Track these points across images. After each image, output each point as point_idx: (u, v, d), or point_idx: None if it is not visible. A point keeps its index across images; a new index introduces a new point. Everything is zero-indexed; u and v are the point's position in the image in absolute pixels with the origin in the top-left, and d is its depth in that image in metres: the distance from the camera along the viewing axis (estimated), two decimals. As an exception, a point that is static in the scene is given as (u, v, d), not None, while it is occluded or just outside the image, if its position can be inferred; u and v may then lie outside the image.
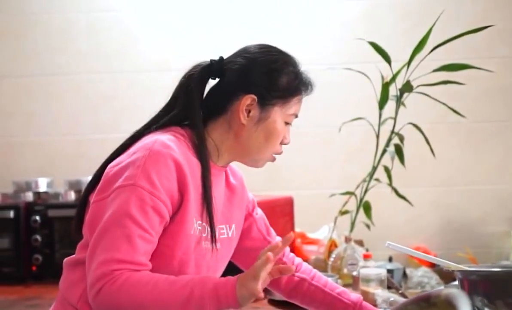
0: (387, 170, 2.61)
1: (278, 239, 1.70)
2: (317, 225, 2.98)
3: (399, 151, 2.58)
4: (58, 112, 3.30)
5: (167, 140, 1.42)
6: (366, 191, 2.66)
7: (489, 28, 2.50)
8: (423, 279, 2.45)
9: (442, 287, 2.11)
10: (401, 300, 1.94)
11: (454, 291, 1.32)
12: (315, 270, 1.73)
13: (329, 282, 1.70)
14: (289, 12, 3.23)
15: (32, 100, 3.31)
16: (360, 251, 2.56)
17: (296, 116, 1.57)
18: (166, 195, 1.38)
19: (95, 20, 3.28)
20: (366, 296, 2.01)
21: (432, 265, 2.59)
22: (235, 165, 1.64)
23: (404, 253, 1.76)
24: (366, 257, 2.39)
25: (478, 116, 3.11)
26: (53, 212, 2.82)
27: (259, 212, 1.73)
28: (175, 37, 3.25)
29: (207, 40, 3.20)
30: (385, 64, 2.54)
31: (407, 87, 2.51)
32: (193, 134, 1.49)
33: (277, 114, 1.51)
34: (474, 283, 1.51)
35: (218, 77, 1.54)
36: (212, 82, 1.56)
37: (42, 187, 2.96)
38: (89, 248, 1.36)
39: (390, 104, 2.61)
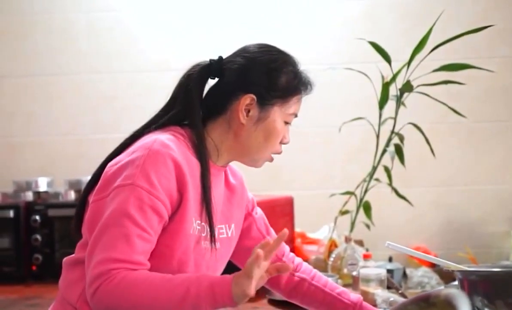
0: (387, 170, 2.61)
1: (277, 238, 1.69)
2: (317, 225, 2.98)
3: (399, 151, 2.58)
4: (58, 112, 3.30)
5: (167, 140, 1.42)
6: (366, 191, 2.66)
7: (489, 28, 2.50)
8: (423, 279, 2.45)
9: (442, 287, 2.11)
10: (401, 300, 1.94)
11: (454, 291, 1.32)
12: (315, 270, 1.73)
13: (329, 282, 1.70)
14: (289, 12, 3.23)
15: (32, 100, 3.31)
16: (360, 251, 2.56)
17: (296, 116, 1.56)
18: (165, 194, 1.38)
19: (95, 20, 3.28)
20: (366, 296, 2.01)
21: (432, 265, 2.59)
22: (235, 165, 1.64)
23: (404, 253, 1.76)
24: (366, 257, 2.39)
25: (478, 116, 3.11)
26: (53, 212, 2.83)
27: (258, 212, 1.73)
28: (175, 37, 3.25)
29: (207, 40, 3.20)
30: (385, 64, 2.54)
31: (407, 87, 2.51)
32: (192, 134, 1.49)
33: (277, 114, 1.51)
34: (474, 283, 1.51)
35: (218, 77, 1.54)
36: (211, 82, 1.56)
37: (42, 187, 2.96)
38: (88, 247, 1.36)
39: (390, 104, 2.61)
